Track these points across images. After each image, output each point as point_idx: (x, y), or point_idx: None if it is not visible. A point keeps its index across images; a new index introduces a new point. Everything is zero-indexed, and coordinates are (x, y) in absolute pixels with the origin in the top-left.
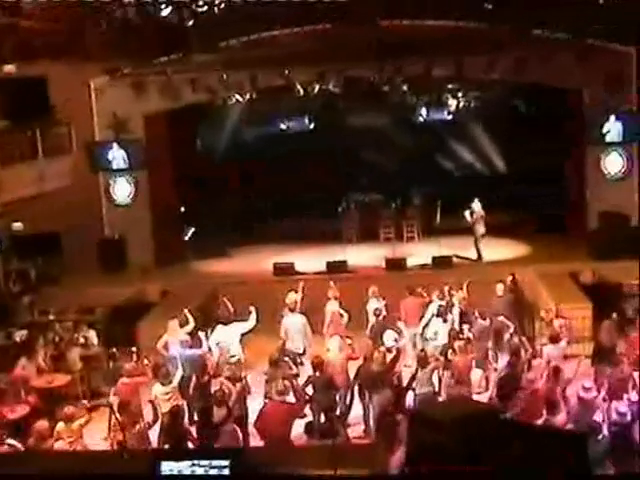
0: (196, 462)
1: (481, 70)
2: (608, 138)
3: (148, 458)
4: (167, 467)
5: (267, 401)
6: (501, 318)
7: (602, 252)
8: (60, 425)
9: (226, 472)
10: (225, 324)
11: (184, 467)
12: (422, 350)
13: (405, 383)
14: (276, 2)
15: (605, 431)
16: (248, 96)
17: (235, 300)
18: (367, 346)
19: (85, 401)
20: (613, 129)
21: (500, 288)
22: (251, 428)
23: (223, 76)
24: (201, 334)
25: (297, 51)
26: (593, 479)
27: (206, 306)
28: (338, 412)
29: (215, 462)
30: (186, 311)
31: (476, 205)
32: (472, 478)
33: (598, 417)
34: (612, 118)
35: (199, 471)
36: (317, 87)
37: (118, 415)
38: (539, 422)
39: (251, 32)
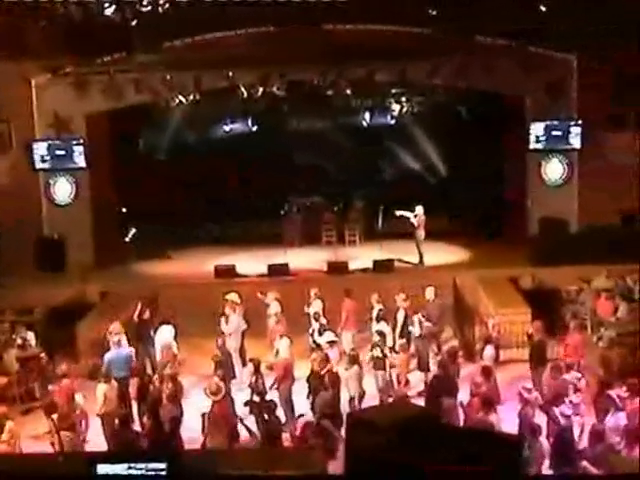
0: (133, 465)
1: (424, 75)
2: (549, 145)
3: (85, 461)
4: (104, 470)
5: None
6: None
7: (542, 257)
8: None
9: (163, 474)
10: (168, 324)
11: (121, 470)
12: (353, 350)
13: (342, 385)
14: (220, 4)
15: (544, 433)
16: (191, 97)
17: (176, 302)
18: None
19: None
20: (554, 136)
21: (430, 292)
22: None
23: (167, 77)
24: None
25: (241, 53)
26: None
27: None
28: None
29: (152, 465)
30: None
31: (418, 209)
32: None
33: (538, 419)
34: (553, 124)
35: (136, 474)
36: (261, 90)
37: (54, 417)
38: (478, 423)
39: (195, 33)
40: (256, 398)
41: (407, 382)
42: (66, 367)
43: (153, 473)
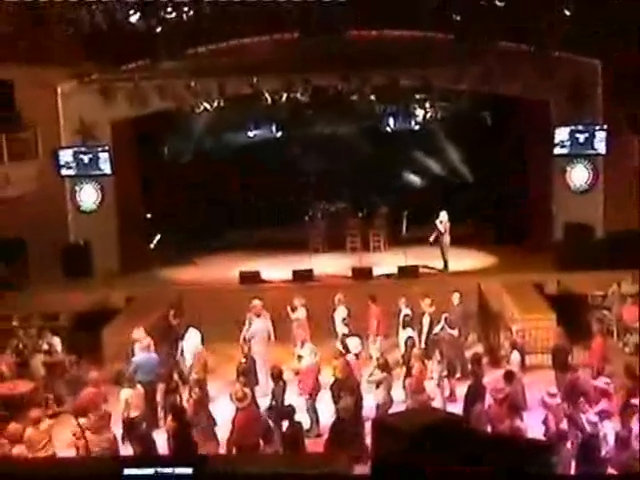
0: (160, 470)
1: (448, 81)
2: (574, 150)
3: (113, 465)
4: (130, 473)
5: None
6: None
7: (567, 263)
8: (29, 430)
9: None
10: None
11: (148, 474)
12: (382, 356)
13: (365, 391)
14: (244, 11)
15: (571, 439)
16: (216, 104)
17: (201, 307)
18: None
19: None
20: (578, 141)
21: (456, 298)
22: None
23: (191, 83)
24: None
25: (265, 59)
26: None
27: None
28: (305, 421)
29: (178, 470)
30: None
31: (443, 215)
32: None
33: (564, 425)
34: (578, 129)
35: (163, 479)
36: (285, 96)
37: (82, 422)
38: (505, 430)
39: (219, 40)
40: (275, 404)
41: (424, 390)
42: (94, 372)
43: (179, 478)
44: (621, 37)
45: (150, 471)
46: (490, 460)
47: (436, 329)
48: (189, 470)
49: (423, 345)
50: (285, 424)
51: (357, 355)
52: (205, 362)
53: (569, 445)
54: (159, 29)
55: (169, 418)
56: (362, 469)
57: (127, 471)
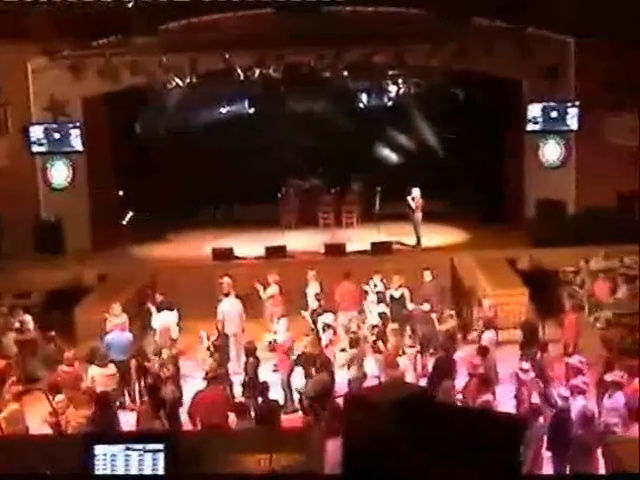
0: (130, 445)
1: (422, 57)
2: (546, 126)
3: (82, 441)
4: (101, 450)
5: (201, 387)
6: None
7: (539, 239)
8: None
9: (161, 455)
10: (171, 310)
11: (118, 450)
12: (354, 333)
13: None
14: None
15: (544, 414)
16: (188, 80)
17: (173, 284)
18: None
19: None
20: (551, 117)
21: (427, 274)
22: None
23: (163, 59)
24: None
25: (238, 35)
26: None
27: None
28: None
29: (149, 446)
30: None
31: (415, 192)
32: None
33: (536, 400)
34: (550, 106)
35: (134, 455)
36: (257, 72)
37: (58, 399)
38: (477, 404)
39: (191, 15)
40: (248, 380)
41: (397, 365)
42: (69, 352)
43: (151, 455)
44: (594, 15)
45: (121, 447)
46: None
47: (408, 305)
48: (160, 446)
49: (396, 320)
50: (260, 400)
51: (327, 330)
52: (175, 340)
53: (542, 420)
54: (130, 4)
55: (141, 395)
56: (335, 444)
57: (98, 448)
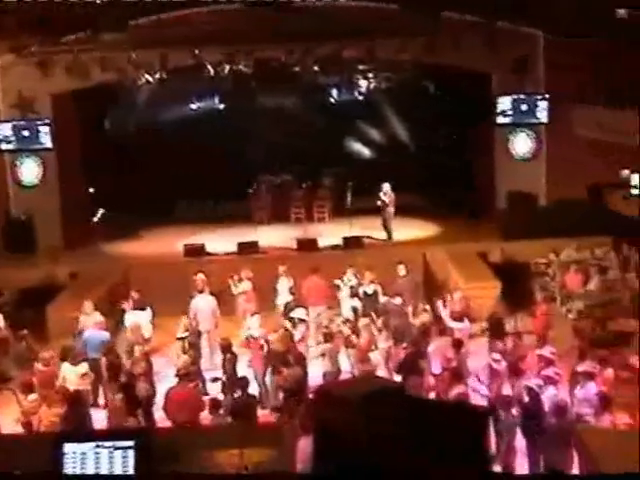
0: (100, 443)
1: (392, 51)
2: (516, 119)
3: (52, 440)
4: (70, 449)
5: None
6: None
7: (511, 231)
8: None
9: (131, 453)
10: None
11: (88, 449)
12: (327, 327)
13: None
14: None
15: (516, 405)
16: (158, 76)
17: (145, 281)
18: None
19: None
20: (521, 110)
21: (402, 268)
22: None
23: (132, 55)
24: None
25: (208, 31)
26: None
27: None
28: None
29: (119, 443)
30: None
31: (386, 187)
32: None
33: (507, 391)
34: (520, 99)
35: (104, 452)
36: (227, 67)
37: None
38: (449, 396)
39: (161, 11)
40: (227, 377)
41: (369, 360)
42: (40, 349)
43: (121, 452)
44: (564, 8)
45: (90, 445)
46: (432, 426)
47: (381, 299)
48: (130, 443)
49: (369, 315)
50: (237, 395)
51: (300, 325)
52: (148, 340)
53: (514, 411)
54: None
55: (114, 393)
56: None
57: (67, 447)
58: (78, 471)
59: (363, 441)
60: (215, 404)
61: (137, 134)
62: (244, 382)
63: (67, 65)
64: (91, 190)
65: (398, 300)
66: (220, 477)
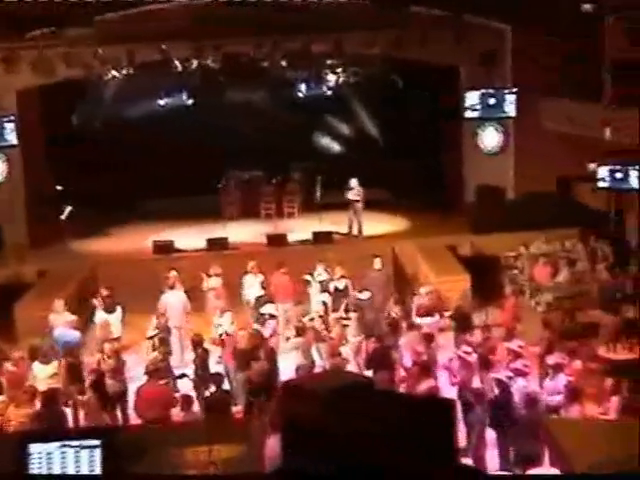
0: (67, 443)
1: (360, 46)
2: (484, 113)
3: (18, 441)
4: (36, 449)
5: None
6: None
7: (480, 225)
8: None
9: (97, 452)
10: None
11: (54, 448)
12: (300, 321)
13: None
14: None
15: (486, 397)
16: (125, 71)
17: (115, 279)
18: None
19: None
20: (489, 104)
21: (377, 262)
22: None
23: (99, 51)
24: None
25: (174, 26)
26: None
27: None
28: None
29: (86, 442)
30: None
31: (354, 183)
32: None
33: (477, 383)
34: (488, 93)
35: (70, 452)
36: (195, 62)
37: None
38: (419, 390)
39: (127, 6)
40: (199, 373)
41: (340, 353)
42: (17, 354)
43: (88, 452)
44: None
45: (56, 445)
46: (401, 420)
47: (352, 294)
48: (97, 442)
49: (340, 309)
50: (211, 392)
51: (270, 320)
52: (118, 338)
53: (484, 402)
54: None
55: (84, 392)
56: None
57: (33, 447)
58: (44, 471)
59: (331, 436)
60: (187, 401)
61: (104, 130)
62: (218, 378)
63: (32, 61)
64: (58, 187)
65: (367, 294)
66: (188, 477)
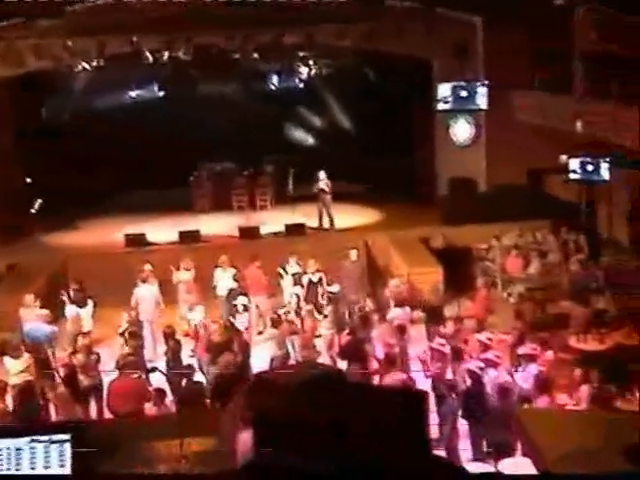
0: (35, 438)
1: (332, 38)
2: (456, 106)
3: None
4: (4, 444)
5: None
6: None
7: (452, 217)
8: None
9: (67, 446)
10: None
11: (22, 443)
12: (275, 313)
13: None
14: None
15: (459, 388)
16: (95, 63)
17: (86, 272)
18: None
19: None
20: (460, 96)
21: (353, 254)
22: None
23: (68, 42)
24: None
25: (145, 18)
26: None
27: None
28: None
29: (55, 437)
30: None
31: (322, 175)
32: None
33: (450, 375)
34: (460, 85)
35: (39, 447)
36: (166, 54)
37: None
38: (391, 382)
39: None
40: (171, 365)
41: (313, 346)
42: None
43: (57, 446)
44: None
45: (25, 440)
46: (373, 412)
47: (325, 286)
48: (66, 437)
49: (313, 302)
50: (183, 384)
51: (243, 312)
52: (89, 333)
53: (457, 395)
54: None
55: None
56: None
57: (1, 442)
58: (13, 467)
59: (302, 429)
60: (160, 394)
61: (75, 122)
62: (190, 370)
63: (1, 52)
64: (28, 180)
65: (337, 287)
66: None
